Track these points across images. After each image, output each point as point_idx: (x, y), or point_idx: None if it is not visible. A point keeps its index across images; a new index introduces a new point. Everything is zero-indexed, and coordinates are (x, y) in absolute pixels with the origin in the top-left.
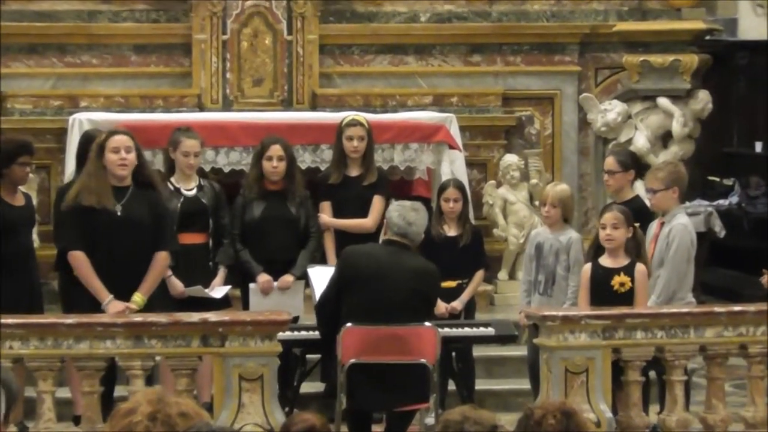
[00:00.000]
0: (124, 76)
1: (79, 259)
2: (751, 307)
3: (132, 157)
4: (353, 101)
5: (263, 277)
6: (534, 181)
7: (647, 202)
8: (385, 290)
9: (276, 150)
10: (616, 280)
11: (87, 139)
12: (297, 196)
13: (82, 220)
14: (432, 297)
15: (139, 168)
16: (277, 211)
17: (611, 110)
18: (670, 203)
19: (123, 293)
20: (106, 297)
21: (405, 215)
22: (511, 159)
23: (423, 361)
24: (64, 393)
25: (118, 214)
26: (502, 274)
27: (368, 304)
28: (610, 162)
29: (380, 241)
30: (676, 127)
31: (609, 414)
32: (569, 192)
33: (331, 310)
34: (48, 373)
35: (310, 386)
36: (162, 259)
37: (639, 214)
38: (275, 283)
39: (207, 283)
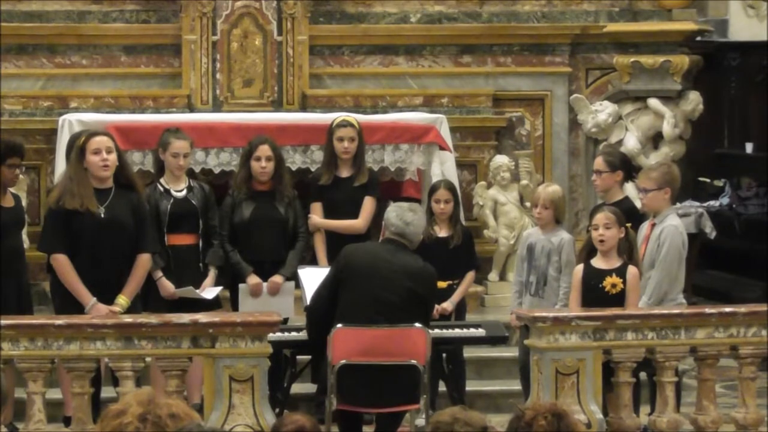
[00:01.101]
0: (114, 77)
1: (61, 263)
2: (742, 309)
3: (113, 157)
4: (343, 102)
5: (253, 279)
6: (524, 182)
7: (638, 204)
8: (381, 288)
9: (264, 150)
10: (608, 282)
11: (75, 141)
12: (285, 197)
13: (66, 223)
14: (428, 299)
15: (120, 169)
16: (266, 212)
17: (602, 111)
18: (661, 204)
19: (107, 296)
20: (89, 300)
21: (402, 215)
22: (501, 160)
23: (413, 362)
24: (54, 394)
25: (102, 216)
26: (493, 275)
27: (364, 300)
28: (598, 162)
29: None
30: (667, 128)
31: (600, 415)
32: (561, 193)
33: (323, 312)
34: (38, 375)
35: (301, 387)
36: (145, 261)
37: (628, 216)
38: (264, 284)
39: (197, 284)
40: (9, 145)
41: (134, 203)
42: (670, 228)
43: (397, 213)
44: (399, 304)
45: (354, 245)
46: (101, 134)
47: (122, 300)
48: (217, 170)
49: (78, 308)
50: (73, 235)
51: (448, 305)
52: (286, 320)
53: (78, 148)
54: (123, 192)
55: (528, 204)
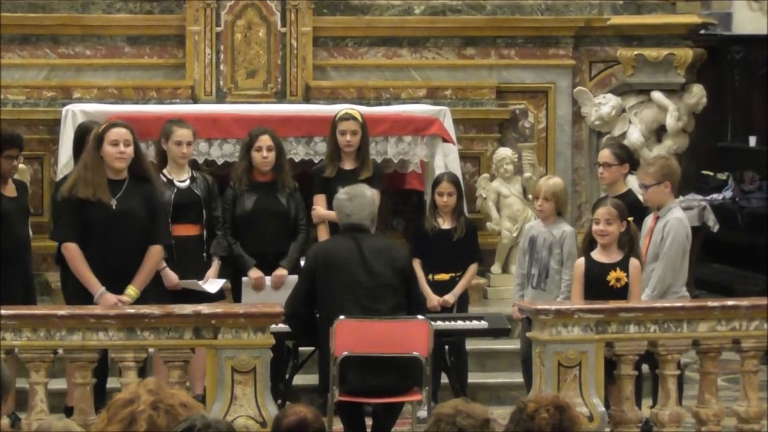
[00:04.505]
0: (118, 68)
1: (72, 251)
2: (745, 302)
3: (130, 150)
4: (347, 94)
5: (255, 273)
6: (527, 174)
7: (640, 197)
8: (365, 275)
9: (265, 140)
10: (612, 276)
11: (82, 132)
12: (287, 187)
13: (78, 211)
14: (407, 269)
15: (136, 161)
16: (268, 203)
17: (605, 104)
18: (662, 198)
19: (117, 286)
20: (98, 289)
21: (341, 208)
22: (504, 152)
23: (415, 353)
24: (56, 384)
25: (113, 207)
26: (495, 268)
27: (351, 293)
28: (606, 154)
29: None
30: (671, 121)
31: (602, 408)
32: (562, 185)
33: (304, 318)
34: (40, 365)
35: (303, 379)
36: (156, 252)
37: (632, 209)
38: (267, 279)
39: (201, 275)
40: (6, 137)
41: (148, 195)
42: (674, 221)
43: (338, 207)
44: (385, 286)
45: (319, 245)
46: (121, 126)
47: (131, 291)
48: (220, 161)
49: (88, 298)
50: (84, 225)
51: (450, 297)
52: None
53: (96, 136)
54: (137, 184)
55: (531, 196)
